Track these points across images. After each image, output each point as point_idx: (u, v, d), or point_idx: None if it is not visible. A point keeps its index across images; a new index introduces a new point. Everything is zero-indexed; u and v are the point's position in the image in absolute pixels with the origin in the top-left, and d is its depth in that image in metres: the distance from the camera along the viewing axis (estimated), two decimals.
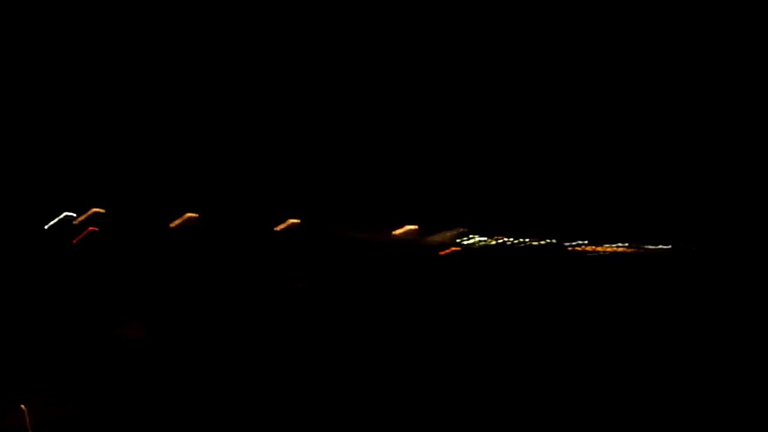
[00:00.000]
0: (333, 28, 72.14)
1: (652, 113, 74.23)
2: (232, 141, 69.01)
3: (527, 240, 76.17)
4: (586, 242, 76.00)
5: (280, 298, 22.52)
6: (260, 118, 70.47)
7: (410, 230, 72.47)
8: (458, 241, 73.72)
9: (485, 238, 75.92)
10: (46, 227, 57.80)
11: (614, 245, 75.39)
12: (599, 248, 76.19)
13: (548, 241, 76.06)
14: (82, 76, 64.79)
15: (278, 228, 66.79)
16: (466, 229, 72.49)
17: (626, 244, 74.68)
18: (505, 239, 77.37)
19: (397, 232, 70.14)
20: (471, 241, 76.53)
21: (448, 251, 63.08)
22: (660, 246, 76.17)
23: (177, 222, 65.55)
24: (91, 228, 47.57)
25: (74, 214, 61.50)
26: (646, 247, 74.10)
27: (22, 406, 9.88)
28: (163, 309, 18.52)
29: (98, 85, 65.60)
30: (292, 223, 68.03)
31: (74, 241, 46.02)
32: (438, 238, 69.75)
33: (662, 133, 73.74)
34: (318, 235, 62.33)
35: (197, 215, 66.06)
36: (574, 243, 76.15)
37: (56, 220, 59.90)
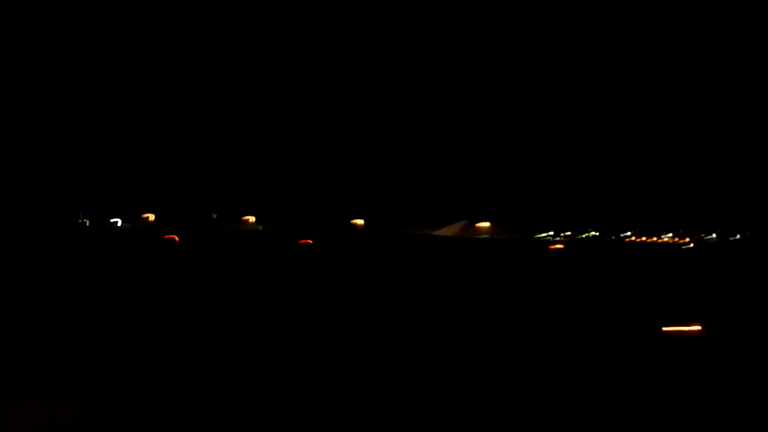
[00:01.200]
0: (393, 45, 71.18)
1: (710, 108, 70.87)
2: (297, 151, 67.71)
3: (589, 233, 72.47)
4: (637, 234, 72.09)
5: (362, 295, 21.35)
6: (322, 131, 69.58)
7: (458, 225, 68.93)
8: (556, 237, 70.82)
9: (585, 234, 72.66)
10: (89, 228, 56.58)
11: (668, 235, 71.21)
12: (655, 239, 71.89)
13: (625, 234, 72.12)
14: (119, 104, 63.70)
15: (348, 226, 64.98)
16: (467, 221, 69.41)
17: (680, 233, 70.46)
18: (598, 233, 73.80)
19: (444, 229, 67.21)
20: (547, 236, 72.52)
21: (554, 247, 60.18)
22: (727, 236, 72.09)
23: (235, 225, 64.13)
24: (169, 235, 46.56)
25: (119, 220, 60.35)
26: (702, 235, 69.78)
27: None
28: (232, 308, 17.78)
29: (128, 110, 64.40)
30: (357, 224, 66.14)
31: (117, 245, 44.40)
32: (447, 231, 66.85)
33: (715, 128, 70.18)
34: (385, 234, 59.83)
35: (255, 218, 64.59)
36: (630, 234, 72.44)
37: (104, 225, 58.68)
